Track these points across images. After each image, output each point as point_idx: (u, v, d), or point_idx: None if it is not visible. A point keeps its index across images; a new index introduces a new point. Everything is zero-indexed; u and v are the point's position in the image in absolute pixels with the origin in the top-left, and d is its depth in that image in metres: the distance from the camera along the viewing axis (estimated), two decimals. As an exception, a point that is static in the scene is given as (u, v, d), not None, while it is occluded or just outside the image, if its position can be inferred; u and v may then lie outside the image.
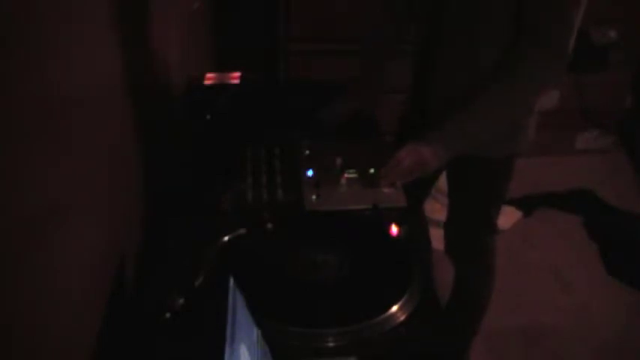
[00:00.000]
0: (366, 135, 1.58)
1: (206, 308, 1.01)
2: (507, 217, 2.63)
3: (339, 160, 1.42)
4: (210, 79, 1.77)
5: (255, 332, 0.91)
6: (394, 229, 1.25)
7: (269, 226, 1.24)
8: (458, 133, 1.38)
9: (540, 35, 1.30)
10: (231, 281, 0.86)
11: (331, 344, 1.02)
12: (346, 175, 1.39)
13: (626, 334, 2.26)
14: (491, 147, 1.51)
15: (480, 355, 2.01)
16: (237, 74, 1.78)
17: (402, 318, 1.06)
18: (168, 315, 1.04)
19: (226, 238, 1.19)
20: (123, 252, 1.19)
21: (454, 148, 1.38)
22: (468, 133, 1.38)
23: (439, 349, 1.07)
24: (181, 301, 1.06)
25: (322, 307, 1.09)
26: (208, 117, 1.61)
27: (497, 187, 1.67)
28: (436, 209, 2.44)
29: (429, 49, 1.51)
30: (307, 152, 1.47)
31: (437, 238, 1.87)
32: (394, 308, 1.07)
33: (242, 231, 1.21)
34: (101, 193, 1.07)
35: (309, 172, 1.40)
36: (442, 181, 1.81)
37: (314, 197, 1.34)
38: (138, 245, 1.28)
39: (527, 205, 2.76)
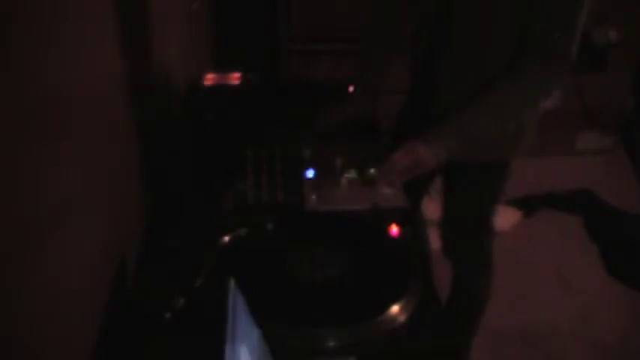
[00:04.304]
0: (366, 135, 1.58)
1: (206, 308, 1.01)
2: (507, 218, 2.63)
3: (339, 160, 1.42)
4: (210, 79, 1.77)
5: (255, 332, 0.91)
6: (394, 229, 1.25)
7: (269, 226, 1.24)
8: (457, 132, 1.38)
9: (542, 41, 1.30)
10: (232, 281, 0.86)
11: (331, 344, 1.02)
12: (346, 176, 1.39)
13: (626, 334, 2.26)
14: (489, 151, 1.51)
15: (480, 355, 2.01)
16: (237, 74, 1.78)
17: (402, 318, 1.06)
18: (168, 315, 1.04)
19: (226, 238, 1.19)
20: (123, 252, 1.19)
21: (452, 147, 1.38)
22: (467, 133, 1.38)
23: (439, 349, 1.07)
24: (181, 301, 1.06)
25: (322, 307, 1.09)
26: (208, 117, 1.61)
27: (492, 190, 1.66)
28: (436, 209, 2.44)
29: (434, 51, 1.51)
30: (307, 152, 1.47)
31: (436, 238, 1.87)
32: (394, 308, 1.07)
33: (242, 231, 1.21)
34: (101, 193, 1.07)
35: (310, 173, 1.40)
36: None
37: (314, 197, 1.34)
38: (138, 245, 1.28)
39: (527, 205, 2.76)
